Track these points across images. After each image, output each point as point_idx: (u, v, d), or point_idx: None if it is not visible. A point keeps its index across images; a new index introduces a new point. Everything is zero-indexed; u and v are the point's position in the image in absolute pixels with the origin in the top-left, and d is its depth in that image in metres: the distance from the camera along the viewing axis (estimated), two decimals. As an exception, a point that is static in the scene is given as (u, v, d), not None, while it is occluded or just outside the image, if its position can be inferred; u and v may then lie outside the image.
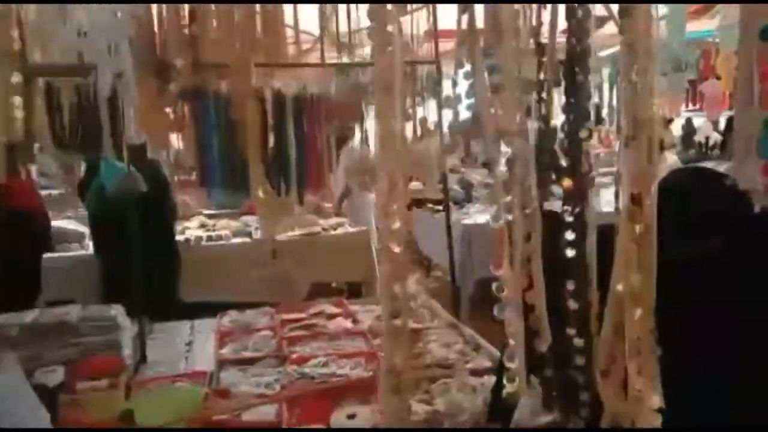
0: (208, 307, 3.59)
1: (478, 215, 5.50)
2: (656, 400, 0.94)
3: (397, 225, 1.08)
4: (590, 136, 1.11)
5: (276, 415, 2.22)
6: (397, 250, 1.04)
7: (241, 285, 4.32)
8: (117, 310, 2.56)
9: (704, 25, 6.54)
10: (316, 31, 4.23)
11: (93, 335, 2.46)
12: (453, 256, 3.85)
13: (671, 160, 6.51)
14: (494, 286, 1.21)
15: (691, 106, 9.51)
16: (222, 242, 4.83)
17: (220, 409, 2.23)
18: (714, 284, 1.21)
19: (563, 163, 1.14)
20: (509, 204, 1.16)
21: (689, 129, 9.03)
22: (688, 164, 5.71)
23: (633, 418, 0.96)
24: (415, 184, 7.51)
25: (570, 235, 1.18)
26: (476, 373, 2.48)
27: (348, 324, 3.16)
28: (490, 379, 2.41)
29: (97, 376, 2.33)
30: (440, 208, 5.41)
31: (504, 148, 1.12)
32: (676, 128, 8.82)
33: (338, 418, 2.04)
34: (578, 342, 1.13)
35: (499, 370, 1.96)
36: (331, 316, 3.25)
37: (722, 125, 8.19)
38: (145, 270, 2.98)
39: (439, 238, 4.07)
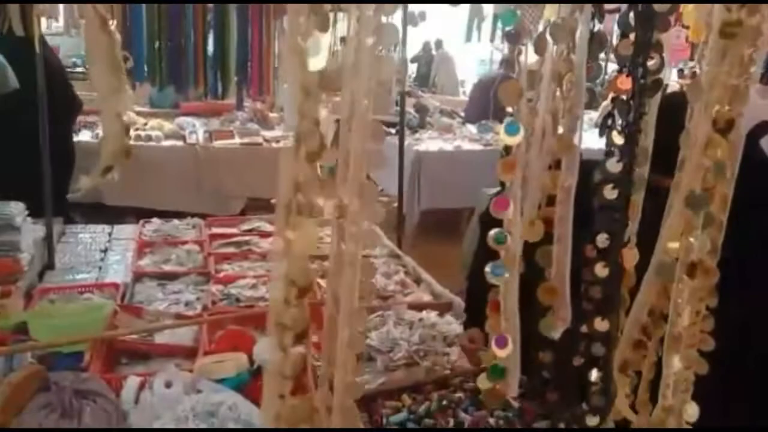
0: (129, 213, 3.27)
1: (431, 142, 5.27)
2: (692, 411, 0.74)
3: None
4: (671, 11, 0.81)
5: (194, 340, 2.01)
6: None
7: (169, 192, 4.00)
8: (16, 208, 2.24)
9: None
10: None
11: (-16, 234, 2.14)
12: (402, 183, 3.63)
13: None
14: (493, 233, 0.79)
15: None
16: (152, 143, 4.43)
17: (130, 327, 1.99)
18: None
19: (623, 48, 0.82)
20: (533, 108, 0.74)
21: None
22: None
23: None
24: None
25: (614, 166, 0.79)
26: (415, 307, 2.34)
27: (283, 244, 2.93)
28: (429, 315, 2.28)
29: (-14, 282, 2.04)
30: (393, 131, 5.15)
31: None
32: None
33: (261, 347, 1.84)
34: (600, 325, 0.86)
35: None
36: (266, 235, 3.01)
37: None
38: (33, 169, 2.62)
39: (389, 162, 3.83)
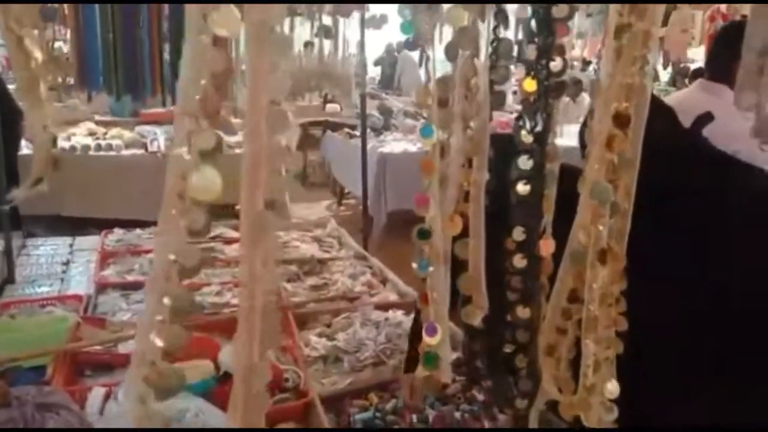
0: (91, 224, 3.22)
1: (395, 143, 5.31)
2: (613, 389, 0.79)
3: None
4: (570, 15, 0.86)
5: (158, 348, 2.00)
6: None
7: (131, 201, 3.95)
8: (-28, 222, 2.20)
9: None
10: None
11: (-62, 250, 2.10)
12: (366, 185, 3.66)
13: (587, 101, 6.54)
14: (415, 231, 0.84)
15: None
16: (113, 153, 4.37)
17: (93, 339, 1.97)
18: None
19: (528, 52, 0.87)
20: (447, 112, 0.79)
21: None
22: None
23: (578, 410, 0.79)
24: (331, 107, 7.21)
25: (525, 163, 0.85)
26: (381, 307, 2.37)
27: (248, 250, 2.94)
28: (395, 314, 2.31)
29: (-58, 298, 2.00)
30: (357, 133, 5.18)
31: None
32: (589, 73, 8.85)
33: (226, 354, 1.85)
34: (522, 312, 0.91)
35: (414, 327, 1.81)
36: (230, 241, 3.01)
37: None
38: None
39: (354, 165, 3.87)
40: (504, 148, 0.87)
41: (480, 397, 1.78)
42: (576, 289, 0.80)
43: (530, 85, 0.83)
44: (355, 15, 3.36)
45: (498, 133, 0.91)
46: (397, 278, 2.69)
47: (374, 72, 10.43)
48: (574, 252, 0.78)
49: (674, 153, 1.16)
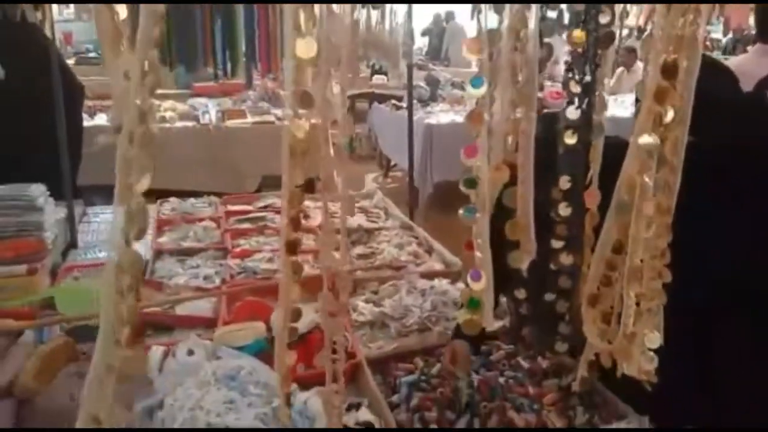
0: (147, 193, 3.33)
1: (442, 114, 5.28)
2: (654, 339, 0.79)
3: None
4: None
5: (213, 311, 2.08)
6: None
7: (184, 172, 4.07)
8: (38, 190, 2.31)
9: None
10: None
11: (9, 216, 2.22)
12: (413, 155, 3.66)
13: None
14: (462, 179, 0.86)
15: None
16: (166, 125, 4.50)
17: (152, 301, 2.07)
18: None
19: (575, 6, 0.86)
20: (497, 65, 0.84)
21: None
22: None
23: (620, 358, 0.80)
24: (377, 78, 7.20)
25: (573, 113, 0.87)
26: (426, 275, 2.39)
27: (297, 219, 3.00)
28: (441, 283, 2.33)
29: (14, 260, 2.12)
30: (403, 104, 5.17)
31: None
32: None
33: (278, 317, 1.91)
34: (565, 259, 0.91)
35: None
36: (280, 211, 3.07)
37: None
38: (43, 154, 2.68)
39: (401, 136, 3.87)
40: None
41: (525, 364, 1.79)
42: (621, 240, 0.80)
43: (579, 36, 0.83)
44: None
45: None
46: (443, 248, 2.71)
47: (421, 42, 10.32)
48: (620, 203, 0.78)
49: (736, 114, 1.13)
